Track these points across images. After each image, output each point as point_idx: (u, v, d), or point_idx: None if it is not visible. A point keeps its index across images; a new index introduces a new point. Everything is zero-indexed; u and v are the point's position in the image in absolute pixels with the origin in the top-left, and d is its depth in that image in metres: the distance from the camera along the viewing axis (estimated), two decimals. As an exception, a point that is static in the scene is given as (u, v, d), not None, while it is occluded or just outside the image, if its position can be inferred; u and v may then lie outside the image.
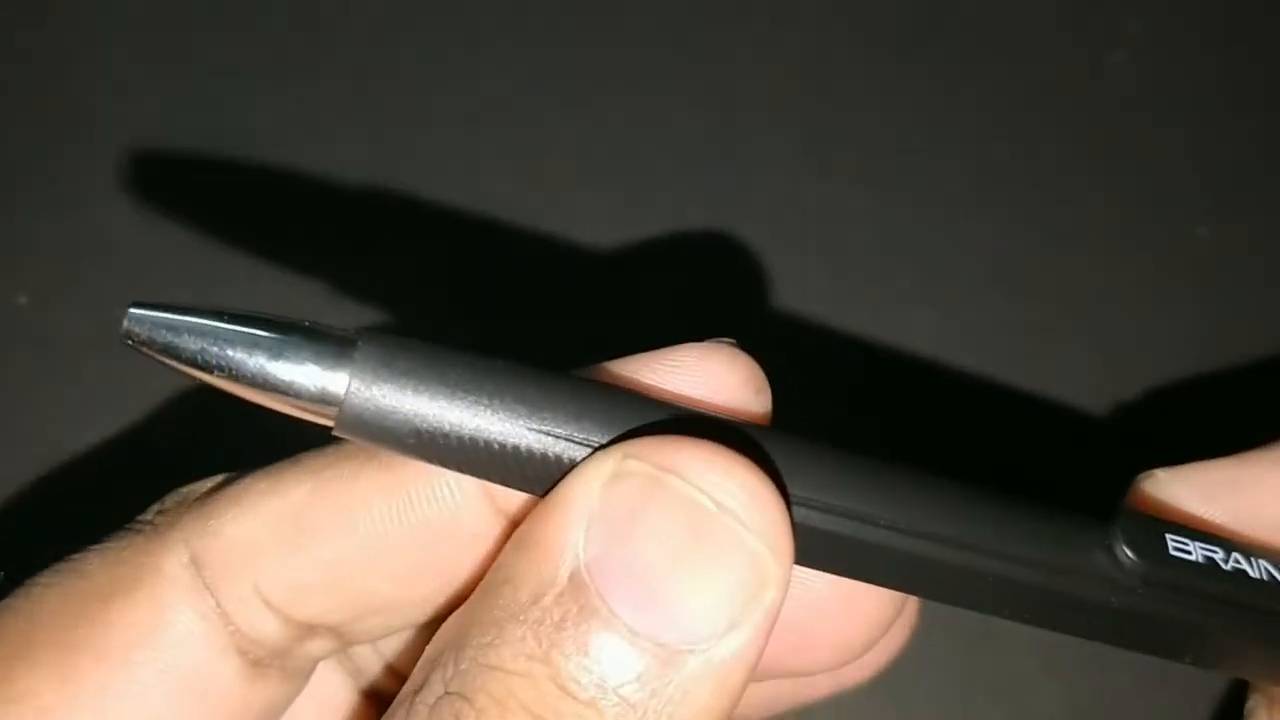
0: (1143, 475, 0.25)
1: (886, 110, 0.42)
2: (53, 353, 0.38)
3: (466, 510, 0.21)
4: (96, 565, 0.21)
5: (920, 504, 0.20)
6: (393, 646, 0.25)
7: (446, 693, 0.18)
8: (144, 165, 0.41)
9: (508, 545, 0.19)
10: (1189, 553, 0.22)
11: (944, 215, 0.41)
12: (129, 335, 0.18)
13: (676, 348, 0.22)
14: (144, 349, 0.18)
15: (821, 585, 0.22)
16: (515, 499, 0.21)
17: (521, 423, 0.19)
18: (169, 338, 0.18)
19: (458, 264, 0.40)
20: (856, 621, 0.23)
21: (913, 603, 0.26)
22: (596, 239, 0.41)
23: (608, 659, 0.18)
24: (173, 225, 0.40)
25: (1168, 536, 0.22)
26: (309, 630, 0.22)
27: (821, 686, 0.27)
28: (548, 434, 0.19)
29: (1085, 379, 0.39)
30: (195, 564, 0.21)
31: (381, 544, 0.21)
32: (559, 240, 0.41)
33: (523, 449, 0.19)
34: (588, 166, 0.42)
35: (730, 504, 0.18)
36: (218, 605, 0.21)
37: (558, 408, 0.19)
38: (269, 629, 0.21)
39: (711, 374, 0.22)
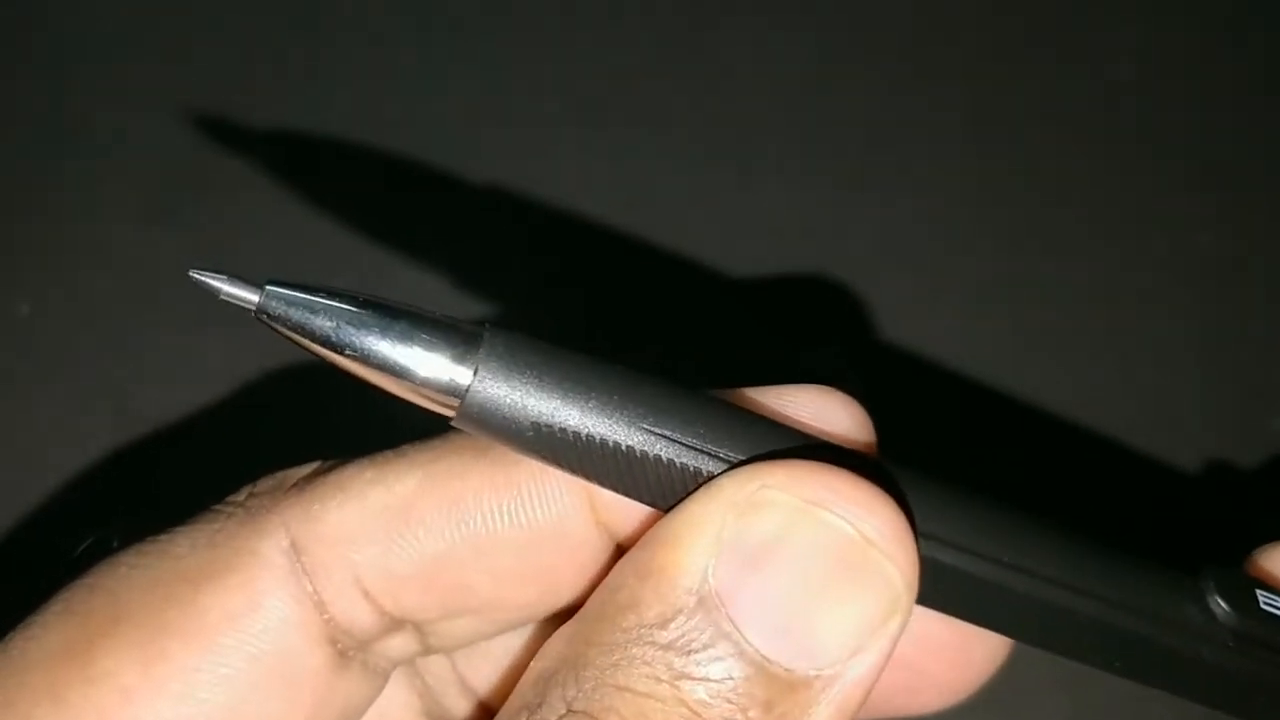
0: (1265, 548, 0.25)
1: (887, 116, 0.42)
2: (54, 361, 0.38)
3: (572, 518, 0.21)
4: (187, 547, 0.21)
5: (1029, 544, 0.20)
6: (472, 663, 0.24)
7: (570, 711, 0.18)
8: (145, 173, 0.41)
9: (626, 567, 0.19)
10: (1279, 609, 0.22)
11: (944, 220, 0.41)
12: (264, 311, 0.18)
13: (791, 386, 0.22)
14: (277, 325, 0.18)
15: (939, 629, 0.22)
16: (621, 518, 0.21)
17: (641, 424, 0.19)
18: (303, 316, 0.18)
19: (453, 267, 0.40)
20: (968, 665, 0.24)
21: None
22: (597, 240, 0.41)
23: (738, 684, 0.18)
24: (174, 232, 0.40)
25: (1259, 592, 0.22)
26: (397, 624, 0.22)
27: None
28: (668, 439, 0.19)
29: (1086, 382, 0.39)
30: (295, 549, 0.21)
31: (486, 541, 0.21)
32: (559, 241, 0.41)
33: (639, 451, 0.19)
34: (588, 169, 0.42)
35: (875, 537, 0.18)
36: (315, 592, 0.21)
37: (682, 416, 0.19)
38: (362, 619, 0.21)
39: (826, 415, 0.22)
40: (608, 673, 0.18)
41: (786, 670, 0.18)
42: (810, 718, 0.18)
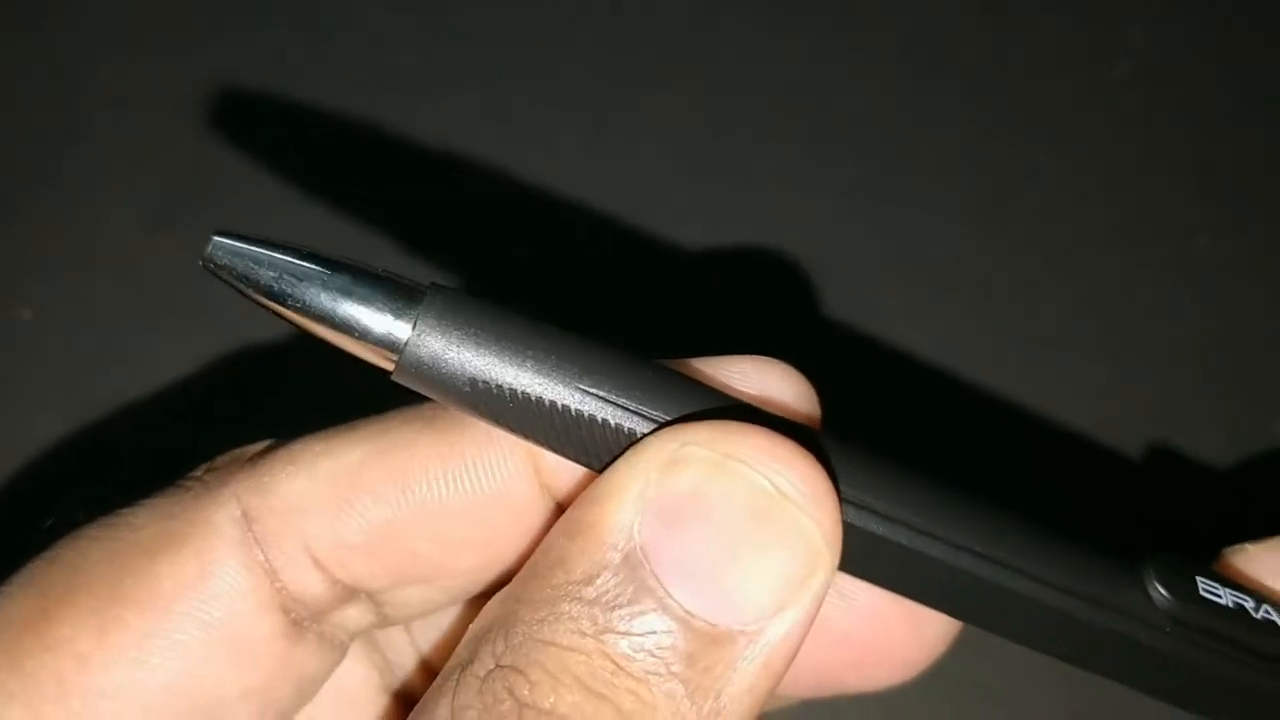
0: (1232, 549, 0.25)
1: (888, 120, 0.42)
2: (56, 366, 0.38)
3: (516, 484, 0.21)
4: (145, 519, 0.21)
5: (964, 518, 0.21)
6: (429, 637, 0.25)
7: (498, 666, 0.18)
8: (147, 176, 0.41)
9: (557, 526, 0.20)
10: (1219, 597, 0.22)
11: (944, 225, 0.41)
12: (210, 260, 0.18)
13: (734, 357, 0.22)
14: (223, 274, 0.19)
15: (886, 604, 0.23)
16: (563, 481, 0.21)
17: (576, 384, 0.19)
18: (249, 267, 0.19)
19: (453, 268, 0.40)
20: (917, 641, 0.24)
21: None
22: (599, 243, 0.41)
23: (661, 637, 0.18)
24: (177, 235, 0.40)
25: (1198, 579, 0.22)
26: (350, 594, 0.22)
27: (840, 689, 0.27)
28: (603, 399, 0.19)
29: (1086, 386, 0.39)
30: (246, 519, 0.21)
31: (432, 509, 0.21)
32: (558, 244, 0.41)
33: (574, 411, 0.19)
34: (588, 170, 0.42)
35: (790, 491, 0.19)
36: (266, 560, 0.21)
37: (616, 376, 0.19)
38: (314, 587, 0.22)
39: (767, 385, 0.22)
40: (534, 628, 0.19)
41: (710, 625, 0.18)
42: (735, 672, 0.19)
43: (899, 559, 0.20)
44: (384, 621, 0.23)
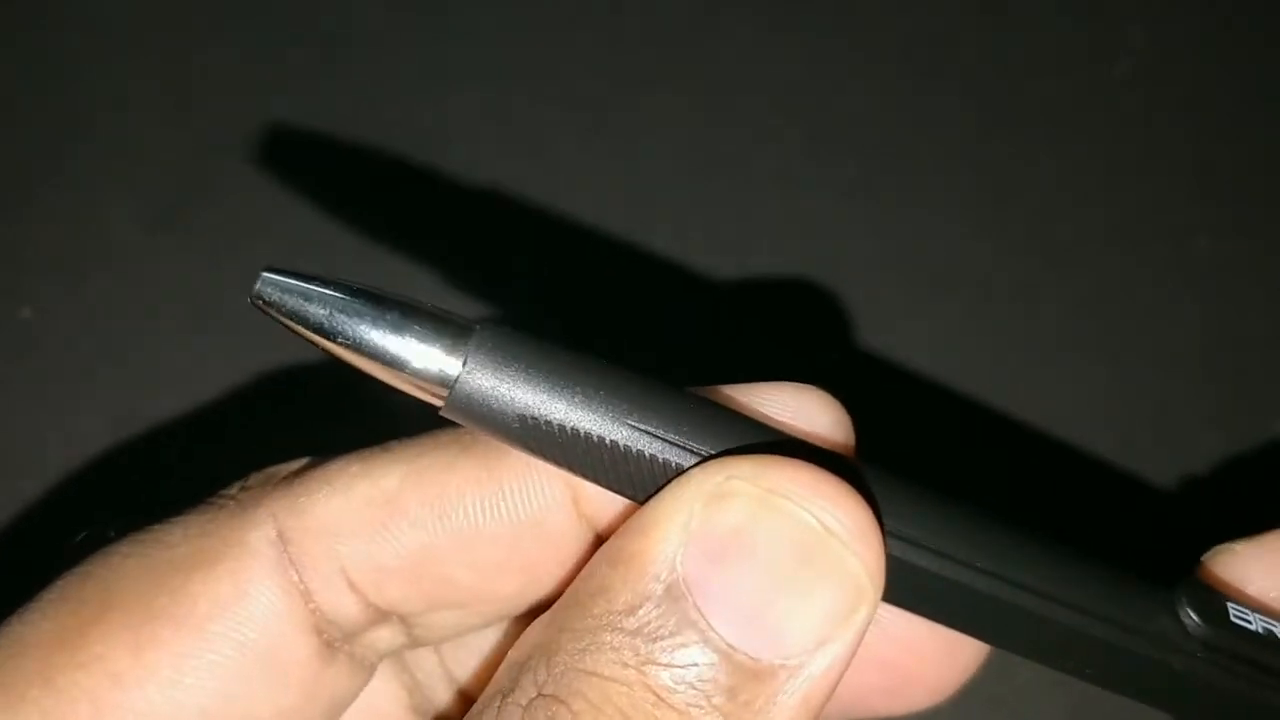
0: (1218, 549, 0.25)
1: (888, 120, 0.42)
2: (56, 365, 0.38)
3: (554, 513, 0.21)
4: (179, 537, 0.21)
5: (1001, 546, 0.21)
6: (459, 658, 0.25)
7: (540, 695, 0.18)
8: (147, 176, 0.41)
9: (599, 556, 0.20)
10: (1249, 623, 0.22)
11: (945, 226, 0.41)
12: (259, 297, 0.18)
13: (771, 384, 0.22)
14: (272, 311, 0.19)
15: (919, 629, 0.23)
16: (602, 511, 0.21)
17: (625, 420, 0.19)
18: (298, 304, 0.19)
19: (454, 269, 0.40)
20: (949, 666, 0.24)
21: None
22: (598, 243, 0.41)
23: (703, 670, 0.18)
24: (177, 235, 0.40)
25: (1229, 605, 0.22)
26: (383, 616, 0.22)
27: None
28: (649, 434, 0.19)
29: (1086, 386, 0.39)
30: (282, 540, 0.21)
31: (469, 535, 0.21)
32: (558, 243, 0.41)
33: (622, 445, 0.19)
34: (588, 170, 0.42)
35: (836, 528, 0.19)
36: (301, 581, 0.21)
37: (662, 411, 0.19)
38: (348, 609, 0.21)
39: (804, 413, 0.22)
40: (576, 658, 0.19)
41: (752, 659, 0.18)
42: (775, 707, 0.19)
43: (938, 588, 0.20)
44: (415, 643, 0.23)
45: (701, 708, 0.18)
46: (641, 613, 0.19)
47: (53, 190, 0.41)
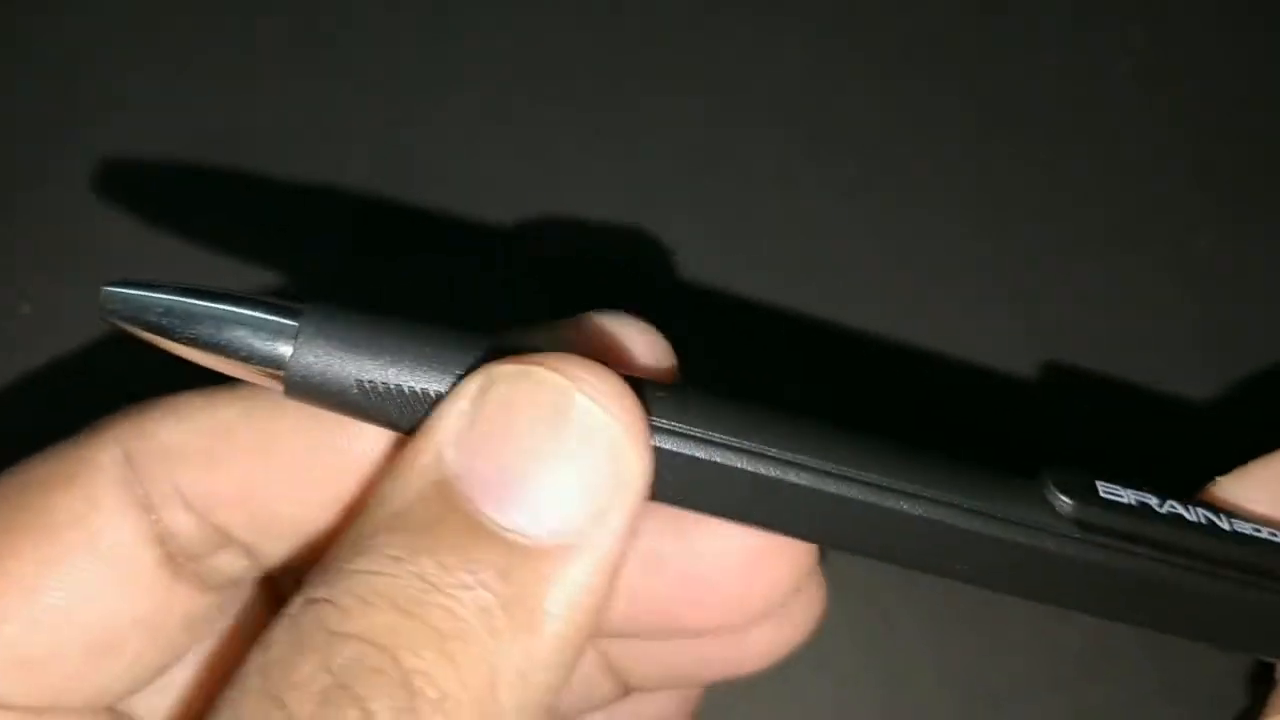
0: (1210, 484, 0.25)
1: (887, 118, 0.42)
2: (56, 362, 0.38)
3: (379, 452, 0.22)
4: (39, 462, 0.23)
5: (818, 438, 0.21)
6: None
7: (309, 600, 0.19)
8: (147, 172, 0.41)
9: (382, 470, 0.21)
10: (1120, 496, 0.22)
11: (944, 224, 0.41)
12: (102, 309, 0.20)
13: (582, 315, 0.23)
14: (116, 321, 0.20)
15: (725, 539, 0.23)
16: None
17: (438, 370, 0.20)
18: (136, 310, 0.20)
19: (455, 269, 0.40)
20: (761, 578, 0.24)
21: (819, 580, 0.27)
22: (598, 243, 0.41)
23: (476, 555, 0.18)
24: (176, 232, 0.40)
25: (1098, 483, 0.22)
26: (224, 540, 0.23)
27: (728, 660, 0.27)
28: (457, 376, 0.20)
29: (1086, 386, 0.39)
30: (128, 460, 0.23)
31: (295, 470, 0.22)
32: (557, 244, 0.41)
33: (434, 394, 0.20)
34: (588, 170, 0.42)
35: (589, 392, 0.19)
36: (145, 495, 0.22)
37: (471, 355, 0.20)
38: (187, 529, 0.23)
39: (618, 340, 0.23)
40: (349, 560, 0.19)
41: (521, 537, 0.19)
42: (553, 586, 0.19)
43: (746, 486, 0.21)
44: (261, 568, 0.24)
45: (471, 589, 0.18)
46: (413, 510, 0.19)
47: (52, 190, 0.41)
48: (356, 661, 0.18)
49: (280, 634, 0.19)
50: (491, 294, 0.40)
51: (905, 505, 0.20)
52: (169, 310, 0.20)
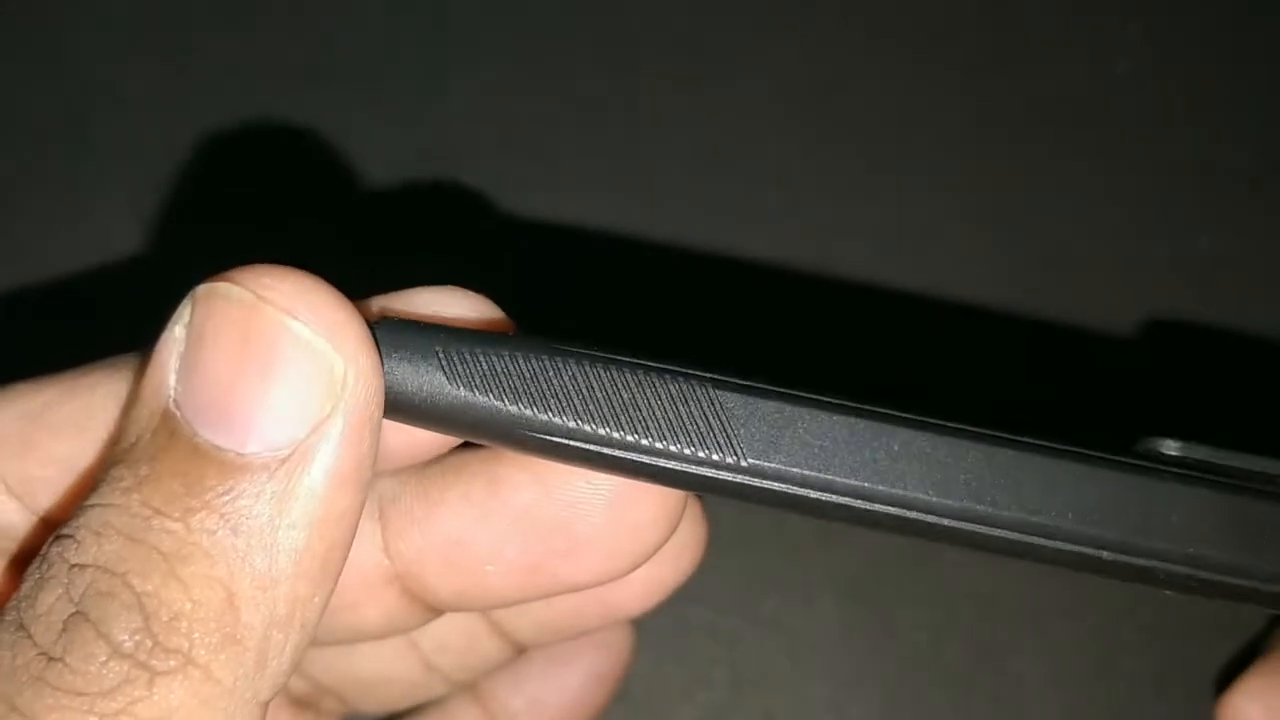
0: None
1: (887, 120, 0.42)
2: (55, 364, 0.38)
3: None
4: None
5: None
6: None
7: (57, 536, 0.19)
8: (146, 176, 0.41)
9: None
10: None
11: (944, 225, 0.41)
12: None
13: (417, 289, 0.24)
14: None
15: (592, 489, 0.23)
16: None
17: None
18: None
19: (455, 269, 0.40)
20: (629, 526, 0.24)
21: (697, 519, 0.27)
22: (598, 243, 0.41)
23: (197, 478, 0.18)
24: (177, 235, 0.40)
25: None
26: (50, 528, 0.23)
27: (608, 607, 0.28)
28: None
29: (1086, 385, 0.39)
30: None
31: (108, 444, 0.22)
32: (557, 244, 0.41)
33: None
34: (587, 170, 0.42)
35: (278, 300, 0.19)
36: None
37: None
38: (11, 516, 0.23)
39: (443, 310, 0.23)
40: (88, 497, 0.19)
41: (238, 455, 0.19)
42: (276, 500, 0.19)
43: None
44: None
45: (196, 511, 0.18)
46: (141, 443, 0.19)
47: (52, 190, 0.41)
48: (92, 588, 0.18)
49: (31, 570, 0.19)
50: (492, 294, 0.40)
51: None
52: None
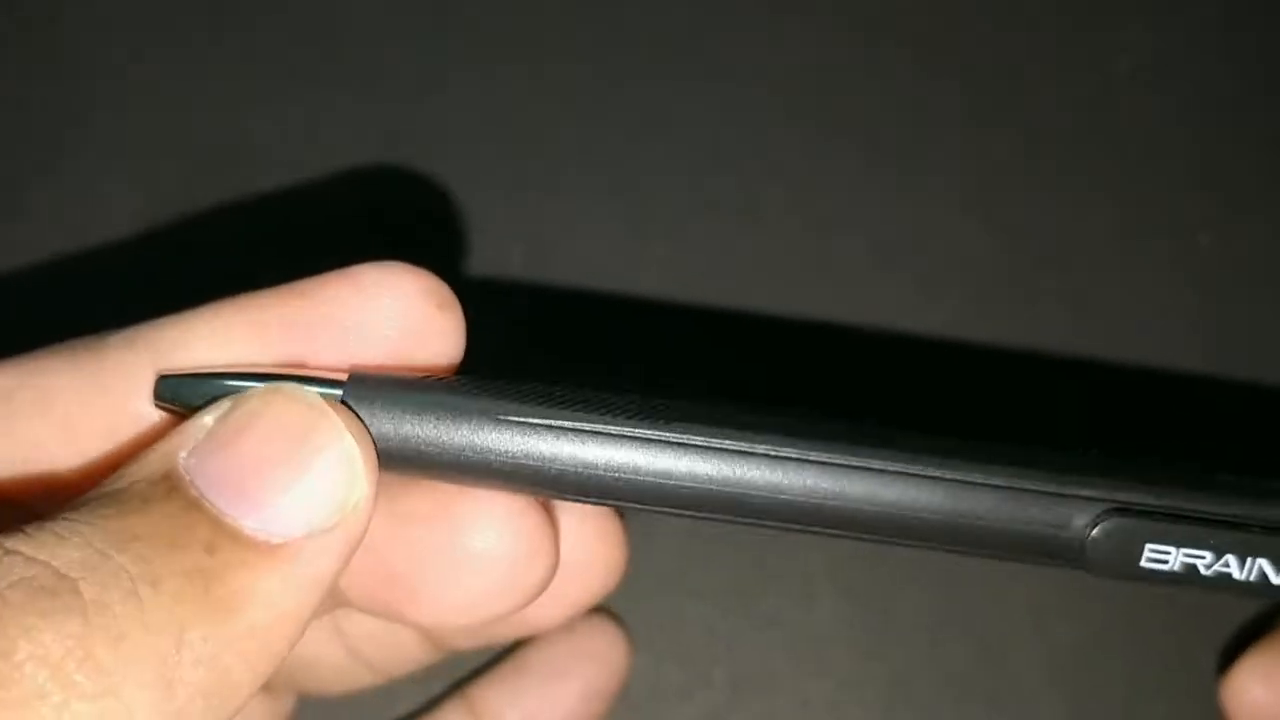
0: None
1: (887, 119, 0.42)
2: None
3: (150, 411, 0.23)
4: None
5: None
6: None
7: (10, 531, 0.19)
8: (146, 176, 0.41)
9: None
10: (1165, 563, 0.22)
11: (943, 225, 0.41)
12: (157, 395, 0.22)
13: (356, 266, 0.24)
14: (168, 407, 0.22)
15: (497, 511, 0.24)
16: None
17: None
18: (188, 398, 0.22)
19: (454, 268, 0.40)
20: (534, 548, 0.24)
21: (614, 533, 0.27)
22: (598, 243, 0.41)
23: (184, 523, 0.19)
24: (176, 234, 0.40)
25: (1147, 546, 0.22)
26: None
27: (530, 620, 0.27)
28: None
29: (1085, 385, 0.39)
30: None
31: (73, 429, 0.22)
32: (557, 244, 0.41)
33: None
34: (587, 170, 0.42)
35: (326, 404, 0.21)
36: None
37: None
38: None
39: (391, 290, 0.23)
40: (60, 509, 0.19)
41: (233, 521, 0.19)
42: (255, 572, 0.19)
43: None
44: None
45: (177, 550, 0.18)
46: (136, 485, 0.19)
47: (52, 190, 0.41)
48: (28, 582, 0.17)
49: None
50: (492, 294, 0.40)
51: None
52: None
